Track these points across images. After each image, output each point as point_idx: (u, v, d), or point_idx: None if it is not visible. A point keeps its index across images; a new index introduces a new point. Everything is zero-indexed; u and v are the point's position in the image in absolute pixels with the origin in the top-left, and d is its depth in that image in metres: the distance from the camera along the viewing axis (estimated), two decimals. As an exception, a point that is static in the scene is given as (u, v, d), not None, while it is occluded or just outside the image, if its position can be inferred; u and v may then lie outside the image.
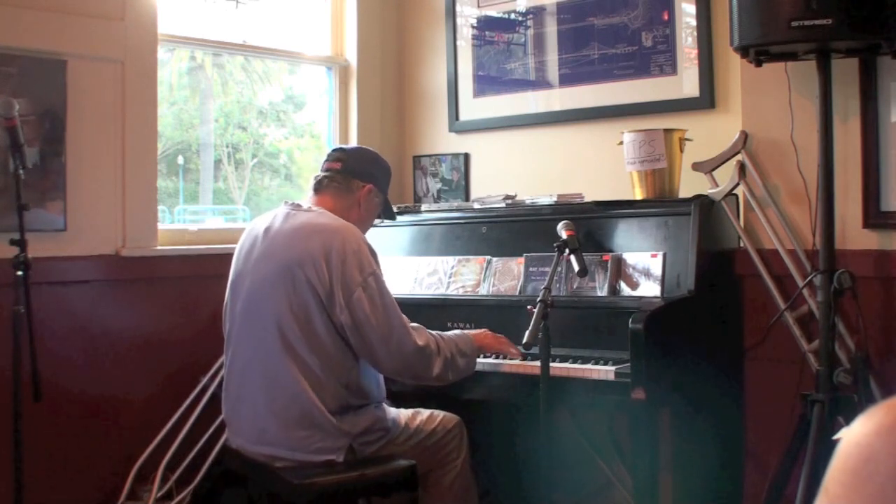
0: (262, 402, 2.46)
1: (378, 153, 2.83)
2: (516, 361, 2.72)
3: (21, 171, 2.56)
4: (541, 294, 2.46)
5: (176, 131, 3.91)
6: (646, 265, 2.80)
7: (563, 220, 2.78)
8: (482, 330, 2.77)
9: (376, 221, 2.88)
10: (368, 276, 2.43)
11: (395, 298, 2.52)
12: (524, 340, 2.42)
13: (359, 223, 2.63)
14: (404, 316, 2.50)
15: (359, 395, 2.51)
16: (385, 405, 2.62)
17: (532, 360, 2.65)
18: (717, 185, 2.97)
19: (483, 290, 3.10)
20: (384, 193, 2.76)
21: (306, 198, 2.69)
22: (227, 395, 2.60)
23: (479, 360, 2.70)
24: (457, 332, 2.69)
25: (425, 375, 2.51)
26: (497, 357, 2.77)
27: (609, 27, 3.51)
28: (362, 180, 2.66)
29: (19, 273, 2.53)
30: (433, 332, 2.55)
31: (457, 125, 3.99)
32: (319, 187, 2.65)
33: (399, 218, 3.45)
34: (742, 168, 2.93)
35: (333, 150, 2.75)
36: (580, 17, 3.59)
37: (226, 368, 2.62)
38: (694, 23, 3.29)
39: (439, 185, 4.04)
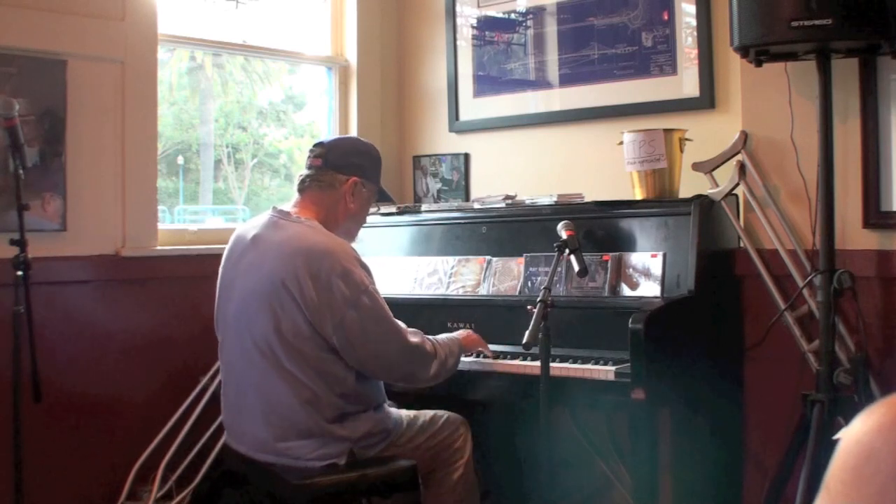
0: (258, 417, 2.44)
1: (360, 139, 2.75)
2: (513, 361, 2.74)
3: (21, 171, 2.56)
4: (541, 294, 2.46)
5: (176, 131, 3.91)
6: (646, 265, 2.80)
7: (563, 220, 2.77)
8: (466, 331, 2.81)
9: (373, 210, 2.84)
10: (361, 295, 2.37)
11: (395, 299, 2.52)
12: (524, 340, 2.42)
13: (350, 220, 2.58)
14: (401, 324, 2.47)
15: (357, 402, 2.48)
16: (386, 406, 2.60)
17: (532, 360, 2.66)
18: (717, 185, 2.97)
19: (483, 290, 3.10)
20: (374, 182, 2.64)
21: (293, 200, 2.59)
22: (225, 402, 2.57)
23: (480, 360, 2.76)
24: (444, 335, 2.69)
25: (422, 377, 2.52)
26: (499, 357, 2.77)
27: (609, 27, 3.51)
28: (345, 174, 2.55)
29: (19, 273, 2.54)
30: (428, 337, 2.56)
31: (457, 125, 3.99)
32: (303, 187, 2.57)
33: (399, 218, 3.46)
34: (742, 168, 2.93)
35: (314, 146, 2.63)
36: (580, 17, 3.59)
37: (222, 375, 2.59)
38: (694, 23, 3.29)
39: (439, 185, 4.04)
